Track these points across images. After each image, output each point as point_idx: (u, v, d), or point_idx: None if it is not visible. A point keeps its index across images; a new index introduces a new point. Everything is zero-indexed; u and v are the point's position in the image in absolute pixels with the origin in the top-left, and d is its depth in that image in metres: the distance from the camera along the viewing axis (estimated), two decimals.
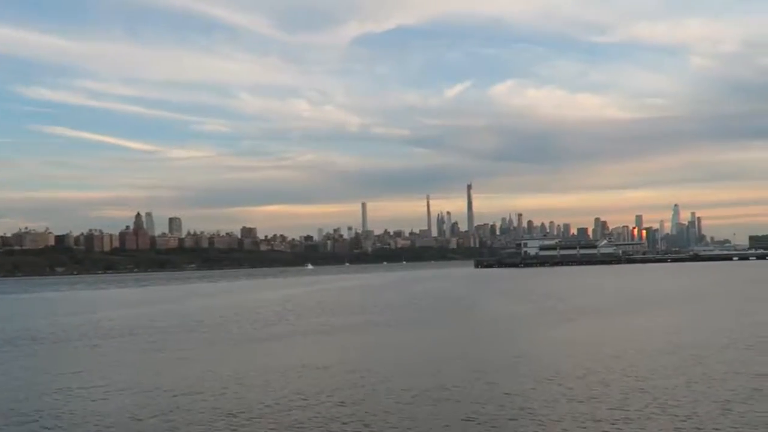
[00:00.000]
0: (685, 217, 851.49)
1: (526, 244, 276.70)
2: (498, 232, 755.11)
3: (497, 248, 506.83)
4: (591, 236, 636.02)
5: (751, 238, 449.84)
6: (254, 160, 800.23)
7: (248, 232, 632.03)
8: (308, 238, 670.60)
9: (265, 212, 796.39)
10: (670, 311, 50.69)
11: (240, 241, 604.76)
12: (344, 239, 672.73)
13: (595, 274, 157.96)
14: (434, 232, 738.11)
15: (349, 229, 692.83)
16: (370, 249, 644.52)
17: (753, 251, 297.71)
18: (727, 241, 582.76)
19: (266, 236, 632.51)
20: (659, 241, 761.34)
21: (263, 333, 43.81)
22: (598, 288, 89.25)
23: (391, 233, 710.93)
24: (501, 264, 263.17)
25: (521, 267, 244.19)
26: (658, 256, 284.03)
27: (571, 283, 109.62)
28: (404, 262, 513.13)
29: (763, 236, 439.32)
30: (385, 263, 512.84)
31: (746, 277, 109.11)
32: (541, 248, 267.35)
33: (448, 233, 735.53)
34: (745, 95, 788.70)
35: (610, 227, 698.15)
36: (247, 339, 40.59)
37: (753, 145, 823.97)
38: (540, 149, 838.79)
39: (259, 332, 44.40)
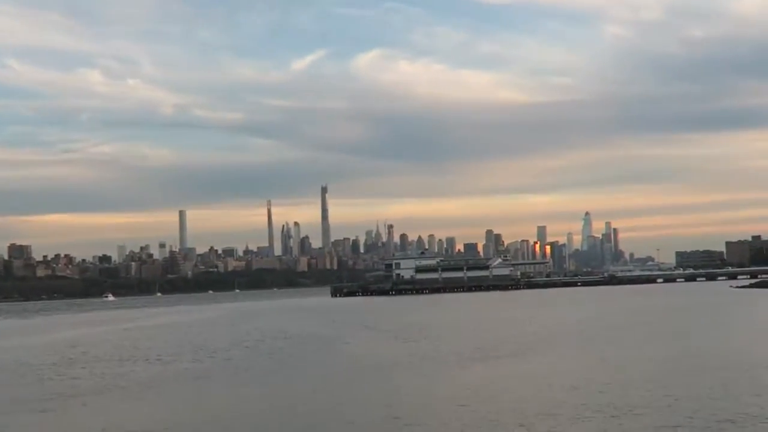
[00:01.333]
0: (598, 228, 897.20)
1: (398, 265, 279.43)
2: (362, 250, 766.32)
3: (361, 270, 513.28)
4: (482, 254, 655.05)
5: (678, 254, 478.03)
6: (26, 151, 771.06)
7: (19, 251, 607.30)
8: (105, 258, 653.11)
9: (42, 224, 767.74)
10: (576, 352, 53.53)
11: (6, 264, 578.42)
12: (155, 260, 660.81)
13: (486, 302, 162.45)
14: (278, 250, 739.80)
15: (162, 246, 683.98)
16: (190, 273, 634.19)
17: (680, 271, 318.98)
18: (650, 258, 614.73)
19: (45, 257, 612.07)
20: (567, 260, 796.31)
21: (30, 392, 42.81)
22: (490, 322, 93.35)
23: (220, 252, 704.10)
24: (366, 291, 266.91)
25: (392, 295, 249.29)
26: (566, 279, 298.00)
27: (455, 315, 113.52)
28: (237, 291, 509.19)
29: (692, 252, 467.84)
30: (210, 292, 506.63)
31: (670, 305, 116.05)
32: (418, 270, 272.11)
33: (296, 251, 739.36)
34: (670, 74, 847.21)
35: (506, 242, 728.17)
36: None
37: (681, 138, 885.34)
38: (415, 141, 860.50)
39: (29, 390, 43.54)
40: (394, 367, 48.45)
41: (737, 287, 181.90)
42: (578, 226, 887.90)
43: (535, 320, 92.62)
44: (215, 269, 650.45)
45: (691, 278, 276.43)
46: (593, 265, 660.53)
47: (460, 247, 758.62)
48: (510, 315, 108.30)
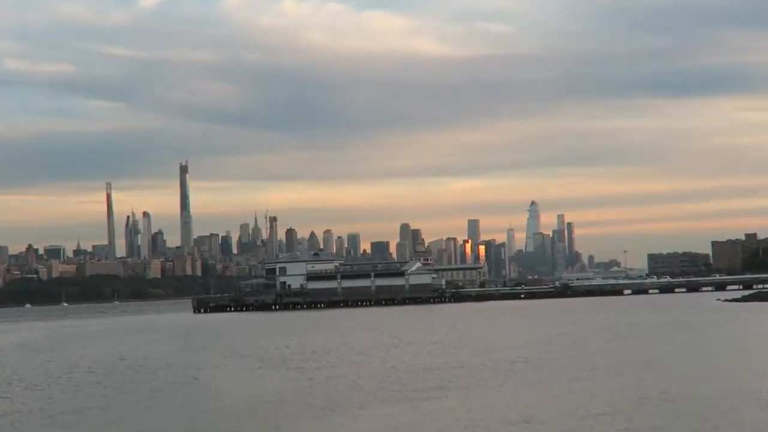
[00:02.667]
0: (548, 223, 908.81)
1: (284, 271, 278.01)
2: (235, 250, 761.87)
3: (234, 278, 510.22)
4: (395, 256, 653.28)
5: (651, 257, 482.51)
6: None
7: None
8: None
9: None
10: (512, 387, 55.44)
11: None
12: None
13: (400, 320, 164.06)
14: (121, 250, 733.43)
15: None
16: (0, 281, 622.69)
17: (653, 280, 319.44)
18: (614, 262, 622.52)
19: None
20: (507, 264, 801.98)
21: None
22: (403, 346, 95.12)
23: (41, 252, 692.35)
24: (241, 305, 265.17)
25: (276, 310, 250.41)
26: (506, 290, 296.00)
27: (357, 337, 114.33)
28: (65, 305, 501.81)
29: (668, 255, 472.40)
30: (28, 306, 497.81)
31: (638, 325, 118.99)
32: (311, 277, 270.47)
33: (146, 251, 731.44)
34: (635, 24, 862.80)
35: (427, 241, 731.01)
36: None
37: (650, 106, 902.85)
38: (304, 106, 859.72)
39: None
40: (274, 408, 48.55)
41: (727, 301, 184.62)
42: (521, 220, 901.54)
43: (463, 343, 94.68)
44: (35, 276, 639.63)
45: (667, 289, 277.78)
46: (541, 272, 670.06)
47: (366, 246, 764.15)
48: (429, 337, 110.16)
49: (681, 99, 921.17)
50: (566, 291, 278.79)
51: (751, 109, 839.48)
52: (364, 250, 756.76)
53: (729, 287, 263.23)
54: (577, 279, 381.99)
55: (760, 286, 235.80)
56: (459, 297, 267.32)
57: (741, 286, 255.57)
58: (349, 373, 67.43)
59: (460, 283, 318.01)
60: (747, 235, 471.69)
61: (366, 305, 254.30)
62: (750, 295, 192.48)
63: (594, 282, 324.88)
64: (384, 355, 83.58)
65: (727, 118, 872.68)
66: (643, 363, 66.58)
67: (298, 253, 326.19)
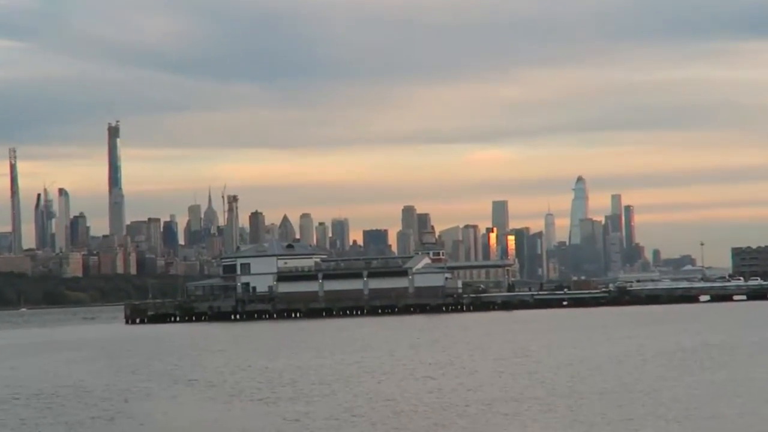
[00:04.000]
0: (599, 206, 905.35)
1: (247, 268, 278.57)
2: (183, 240, 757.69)
3: (181, 277, 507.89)
4: (396, 249, 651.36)
5: (735, 252, 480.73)
6: None
7: None
8: None
9: None
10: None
11: None
12: None
13: (403, 334, 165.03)
14: (29, 239, 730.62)
15: None
16: None
17: (740, 282, 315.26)
18: (687, 259, 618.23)
19: None
20: (545, 261, 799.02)
21: None
22: (408, 370, 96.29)
23: None
24: (189, 313, 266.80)
25: (237, 320, 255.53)
26: (543, 295, 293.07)
27: (351, 360, 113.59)
28: None
29: (758, 249, 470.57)
30: None
31: (718, 346, 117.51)
32: (282, 276, 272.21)
33: (62, 241, 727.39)
34: None
35: (438, 229, 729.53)
36: None
37: (734, 50, 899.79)
38: (275, 50, 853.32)
39: None
40: None
41: None
42: (564, 202, 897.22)
43: (490, 367, 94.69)
44: None
45: (758, 294, 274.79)
46: (590, 271, 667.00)
47: (357, 236, 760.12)
48: (444, 358, 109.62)
49: None
50: (623, 297, 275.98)
51: None
52: (355, 241, 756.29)
53: None
54: (638, 281, 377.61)
55: None
56: (480, 304, 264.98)
57: None
58: (333, 407, 67.33)
59: (482, 286, 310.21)
60: None
61: (356, 314, 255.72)
62: None
63: (660, 285, 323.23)
64: (385, 381, 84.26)
65: None
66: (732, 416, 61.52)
67: (266, 245, 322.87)
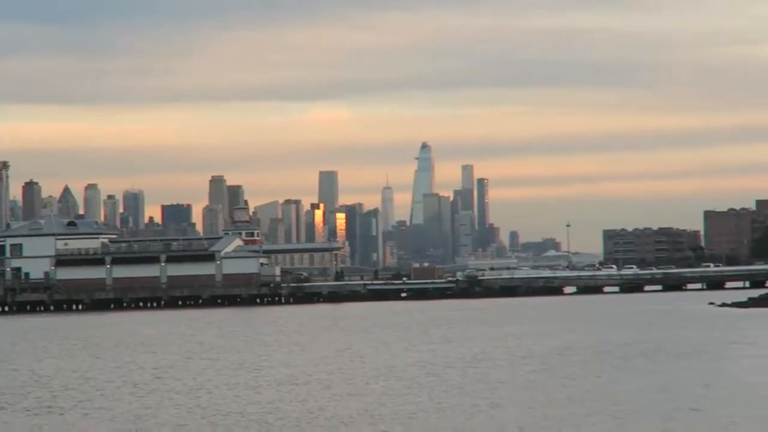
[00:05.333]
0: (447, 178, 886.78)
1: (18, 249, 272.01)
2: None
3: None
4: (201, 227, 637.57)
5: (607, 235, 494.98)
6: None
7: None
8: None
9: None
10: None
11: None
12: None
13: (205, 329, 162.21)
14: None
15: None
16: None
17: (612, 271, 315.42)
18: (550, 243, 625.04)
19: None
20: (381, 243, 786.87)
21: None
22: (206, 374, 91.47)
23: None
24: None
25: (5, 312, 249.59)
26: (377, 285, 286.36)
27: (143, 361, 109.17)
28: None
29: (637, 232, 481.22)
30: None
31: (590, 348, 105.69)
32: (63, 261, 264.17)
33: None
34: None
35: (253, 204, 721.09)
36: None
37: None
38: None
39: None
40: None
41: (726, 306, 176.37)
42: (405, 173, 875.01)
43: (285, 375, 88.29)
44: None
45: (633, 285, 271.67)
46: (435, 257, 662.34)
47: (154, 212, 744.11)
48: (249, 357, 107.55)
49: None
50: (473, 287, 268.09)
51: None
52: (151, 218, 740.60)
53: (729, 284, 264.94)
54: (492, 269, 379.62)
55: None
56: (303, 296, 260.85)
57: (747, 283, 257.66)
58: (118, 410, 67.69)
59: (305, 274, 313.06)
60: (759, 203, 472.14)
61: (152, 306, 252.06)
62: (762, 296, 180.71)
63: (518, 274, 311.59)
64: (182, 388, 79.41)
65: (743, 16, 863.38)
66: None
67: (42, 222, 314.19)
